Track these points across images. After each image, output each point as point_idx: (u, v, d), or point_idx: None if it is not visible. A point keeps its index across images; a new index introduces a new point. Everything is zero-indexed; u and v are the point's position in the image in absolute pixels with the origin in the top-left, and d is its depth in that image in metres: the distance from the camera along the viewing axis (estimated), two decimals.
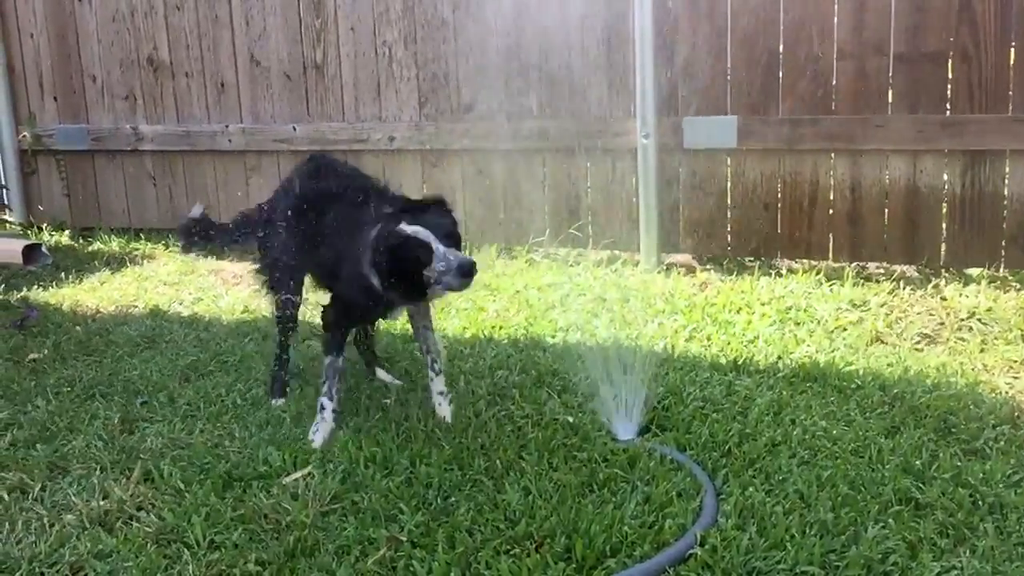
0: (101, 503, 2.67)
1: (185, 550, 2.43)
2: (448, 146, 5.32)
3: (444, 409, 3.17)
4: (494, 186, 5.29)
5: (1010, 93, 4.26)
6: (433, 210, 2.85)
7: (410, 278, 2.75)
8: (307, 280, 3.30)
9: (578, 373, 3.31)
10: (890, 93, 4.46)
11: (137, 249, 5.92)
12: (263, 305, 4.56)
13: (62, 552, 2.44)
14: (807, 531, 2.41)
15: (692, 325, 4.03)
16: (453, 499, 2.63)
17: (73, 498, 2.70)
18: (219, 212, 5.94)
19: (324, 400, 3.08)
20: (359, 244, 2.83)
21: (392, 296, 2.84)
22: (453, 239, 2.79)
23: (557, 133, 5.06)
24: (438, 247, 2.72)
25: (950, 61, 4.34)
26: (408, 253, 2.71)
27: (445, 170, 5.39)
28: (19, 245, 5.28)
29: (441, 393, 3.19)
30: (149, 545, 2.45)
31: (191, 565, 2.36)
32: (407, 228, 2.73)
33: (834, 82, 4.54)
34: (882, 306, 4.17)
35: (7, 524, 2.57)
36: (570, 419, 3.10)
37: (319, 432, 3.05)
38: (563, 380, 3.44)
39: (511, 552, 2.37)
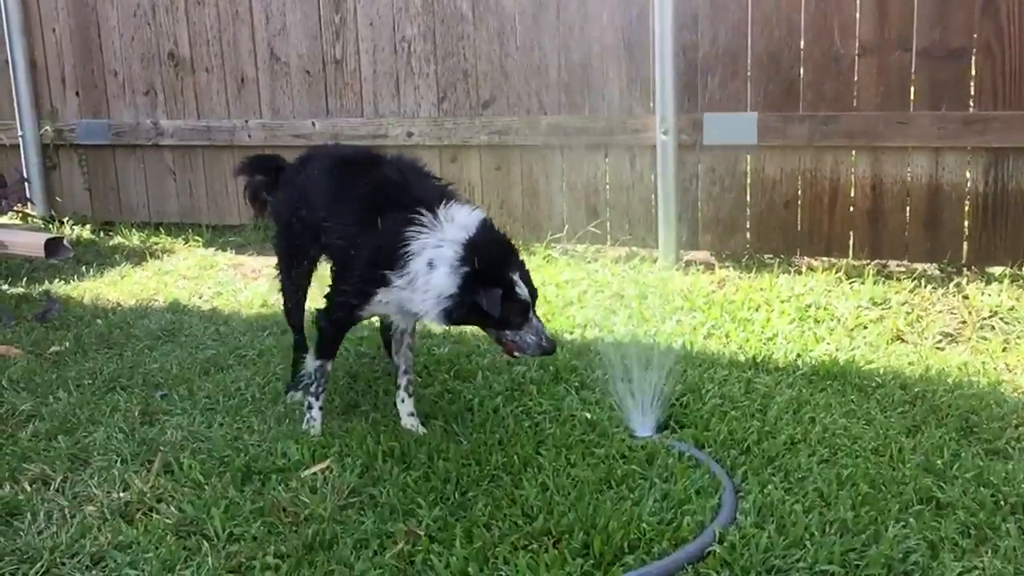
0: (122, 495, 2.69)
1: (205, 542, 2.44)
2: (466, 141, 5.33)
3: (415, 423, 3.10)
4: (512, 182, 5.29)
5: None
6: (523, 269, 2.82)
7: (493, 318, 2.74)
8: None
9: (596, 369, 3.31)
10: (912, 90, 4.43)
11: (157, 243, 5.95)
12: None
13: (83, 543, 2.46)
14: (827, 530, 2.40)
15: (711, 322, 4.02)
16: (471, 494, 2.64)
17: (94, 489, 2.72)
18: (238, 206, 5.99)
19: (311, 400, 3.07)
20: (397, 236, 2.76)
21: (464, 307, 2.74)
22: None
23: (576, 129, 5.05)
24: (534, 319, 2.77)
25: (973, 57, 4.30)
26: (513, 306, 2.73)
27: (463, 165, 5.40)
28: (41, 239, 5.32)
29: (411, 415, 3.11)
30: (169, 537, 2.47)
31: (210, 557, 2.37)
32: (521, 290, 2.73)
33: (855, 78, 4.50)
34: (903, 304, 4.14)
35: (29, 515, 2.59)
36: (588, 415, 3.10)
37: (313, 426, 3.06)
38: (581, 376, 3.43)
39: (529, 547, 2.37)
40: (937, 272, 4.50)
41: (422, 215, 2.74)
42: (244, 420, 3.20)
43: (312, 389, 3.09)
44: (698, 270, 4.75)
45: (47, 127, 6.39)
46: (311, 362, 3.10)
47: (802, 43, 4.57)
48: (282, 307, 3.45)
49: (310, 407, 3.09)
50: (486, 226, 2.79)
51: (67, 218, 6.44)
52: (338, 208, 2.98)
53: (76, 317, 4.43)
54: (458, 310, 2.71)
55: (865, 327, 3.94)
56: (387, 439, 2.93)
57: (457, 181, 5.36)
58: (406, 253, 2.73)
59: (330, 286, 3.04)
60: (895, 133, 4.44)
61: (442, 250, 2.70)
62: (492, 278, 2.69)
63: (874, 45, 4.44)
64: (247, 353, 3.87)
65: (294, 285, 3.30)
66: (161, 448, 2.98)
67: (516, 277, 2.73)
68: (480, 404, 3.21)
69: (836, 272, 4.46)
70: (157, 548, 2.42)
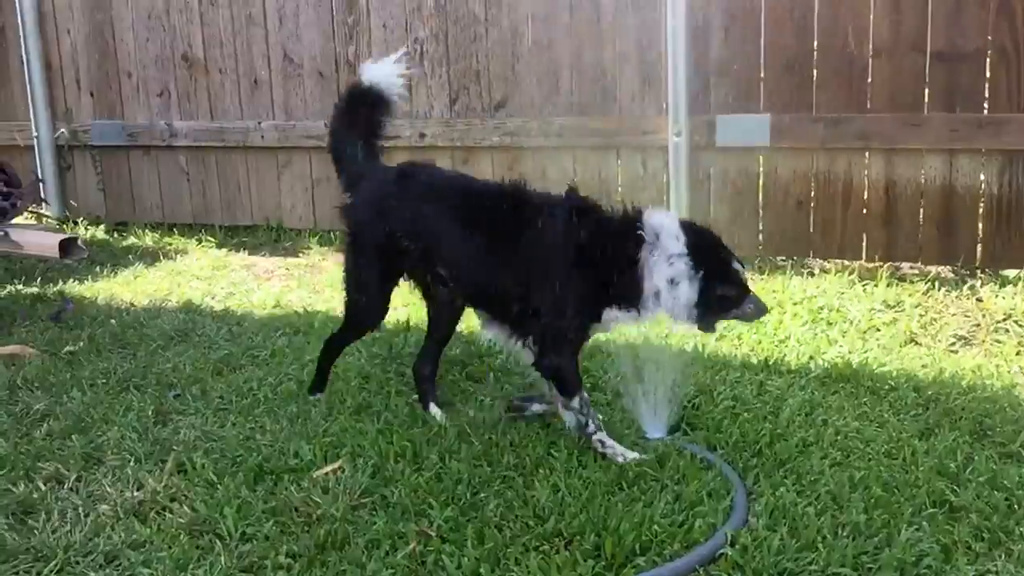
0: (135, 494, 2.70)
1: (217, 541, 2.45)
2: (479, 143, 5.33)
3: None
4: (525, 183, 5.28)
5: None
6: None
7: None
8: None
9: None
10: (926, 92, 4.41)
11: (170, 244, 5.98)
12: (293, 300, 4.60)
13: (96, 542, 2.47)
14: (839, 532, 2.39)
15: (722, 324, 4.00)
16: (482, 495, 2.63)
17: (108, 488, 2.73)
18: (251, 207, 6.01)
19: (602, 437, 2.85)
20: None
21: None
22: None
23: (588, 130, 5.04)
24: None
25: (988, 59, 4.28)
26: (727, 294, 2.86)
27: (475, 167, 5.39)
28: (56, 239, 5.35)
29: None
30: (182, 536, 2.48)
31: (223, 556, 2.38)
32: (738, 265, 2.88)
33: (869, 80, 4.49)
34: (916, 307, 4.12)
35: (43, 514, 2.60)
36: (600, 416, 3.09)
37: (619, 453, 2.84)
38: (592, 378, 3.43)
39: (540, 549, 2.37)
40: (951, 275, 4.48)
41: (640, 231, 2.79)
42: (257, 420, 3.21)
43: (590, 428, 2.85)
44: None
45: (62, 128, 6.43)
46: (573, 405, 2.86)
47: (815, 44, 4.56)
48: (348, 319, 3.21)
49: (602, 443, 2.84)
50: (687, 224, 2.87)
51: (81, 218, 6.48)
52: (525, 254, 2.93)
53: (90, 317, 4.46)
54: (706, 309, 2.82)
55: (878, 329, 3.93)
56: (399, 440, 2.93)
57: None
58: (639, 279, 2.78)
59: (546, 327, 2.85)
60: (909, 135, 4.42)
61: (675, 265, 2.77)
62: (720, 271, 2.84)
63: (888, 47, 4.42)
64: (260, 353, 3.88)
65: (375, 308, 3.16)
66: (174, 448, 2.98)
67: (731, 259, 2.87)
68: (492, 405, 3.21)
69: (849, 274, 4.45)
70: (170, 547, 2.42)
